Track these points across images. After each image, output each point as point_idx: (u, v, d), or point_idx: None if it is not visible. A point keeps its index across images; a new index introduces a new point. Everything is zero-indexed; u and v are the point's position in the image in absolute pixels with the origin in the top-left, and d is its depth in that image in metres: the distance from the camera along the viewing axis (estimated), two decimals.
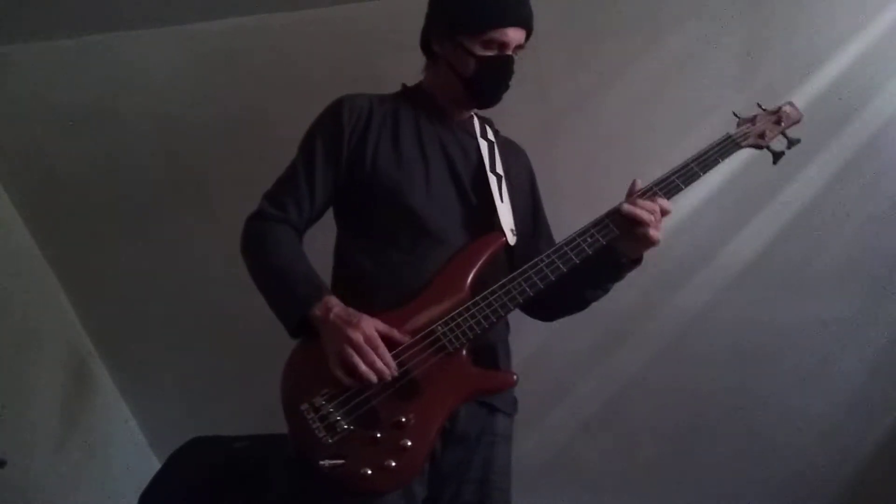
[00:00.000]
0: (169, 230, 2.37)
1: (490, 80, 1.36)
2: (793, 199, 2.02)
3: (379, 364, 1.16)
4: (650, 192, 1.30)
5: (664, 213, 1.28)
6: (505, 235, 1.36)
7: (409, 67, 2.02)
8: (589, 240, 1.27)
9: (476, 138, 1.46)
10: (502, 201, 1.40)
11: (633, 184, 1.34)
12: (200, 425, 2.13)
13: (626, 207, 1.27)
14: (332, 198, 1.40)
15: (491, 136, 1.50)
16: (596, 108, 2.07)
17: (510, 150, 1.54)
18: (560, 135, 2.07)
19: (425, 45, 1.46)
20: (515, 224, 1.43)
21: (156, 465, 2.47)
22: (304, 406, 1.19)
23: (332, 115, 1.39)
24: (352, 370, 1.16)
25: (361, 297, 1.26)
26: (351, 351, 1.16)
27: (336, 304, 1.23)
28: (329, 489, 1.20)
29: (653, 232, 1.26)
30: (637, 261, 1.35)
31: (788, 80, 1.98)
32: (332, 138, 1.36)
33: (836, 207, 2.02)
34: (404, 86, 1.52)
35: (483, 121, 1.52)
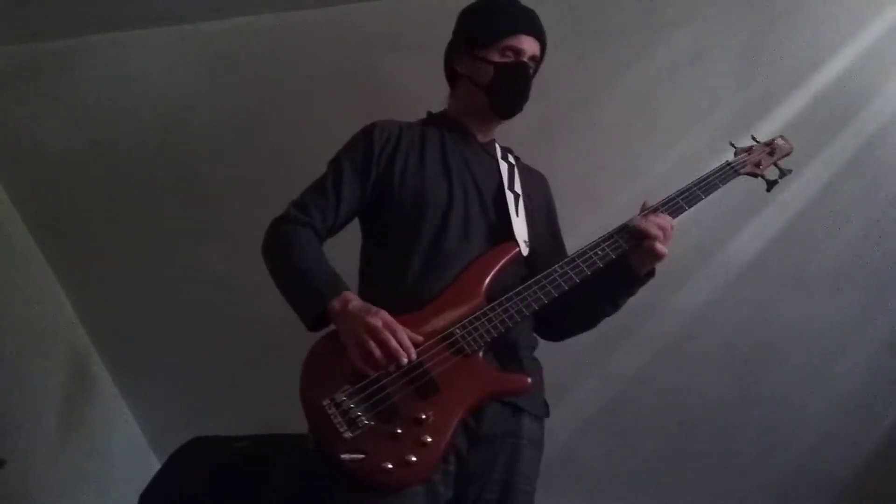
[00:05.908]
0: (169, 230, 2.37)
1: (508, 84, 1.47)
2: (793, 200, 2.02)
3: (394, 344, 1.19)
4: (655, 211, 1.37)
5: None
6: (518, 246, 1.42)
7: (409, 67, 2.04)
8: (600, 253, 1.34)
9: (497, 160, 1.55)
10: (517, 216, 1.47)
11: (644, 204, 1.41)
12: (200, 425, 2.13)
13: (634, 223, 1.34)
14: (356, 212, 1.48)
15: (511, 160, 1.60)
16: (596, 109, 2.08)
17: (530, 176, 1.62)
18: (560, 135, 2.08)
19: (449, 72, 1.58)
20: (530, 238, 1.48)
21: (156, 465, 2.48)
22: (326, 402, 1.21)
23: (365, 136, 1.48)
24: (368, 354, 1.19)
25: (384, 303, 1.29)
26: (366, 336, 1.19)
27: (354, 298, 1.27)
28: (348, 484, 1.21)
29: (659, 246, 1.31)
30: (650, 274, 1.41)
31: (788, 81, 1.98)
32: (363, 156, 1.45)
33: (836, 208, 2.02)
34: (430, 113, 1.61)
35: (505, 149, 1.61)
